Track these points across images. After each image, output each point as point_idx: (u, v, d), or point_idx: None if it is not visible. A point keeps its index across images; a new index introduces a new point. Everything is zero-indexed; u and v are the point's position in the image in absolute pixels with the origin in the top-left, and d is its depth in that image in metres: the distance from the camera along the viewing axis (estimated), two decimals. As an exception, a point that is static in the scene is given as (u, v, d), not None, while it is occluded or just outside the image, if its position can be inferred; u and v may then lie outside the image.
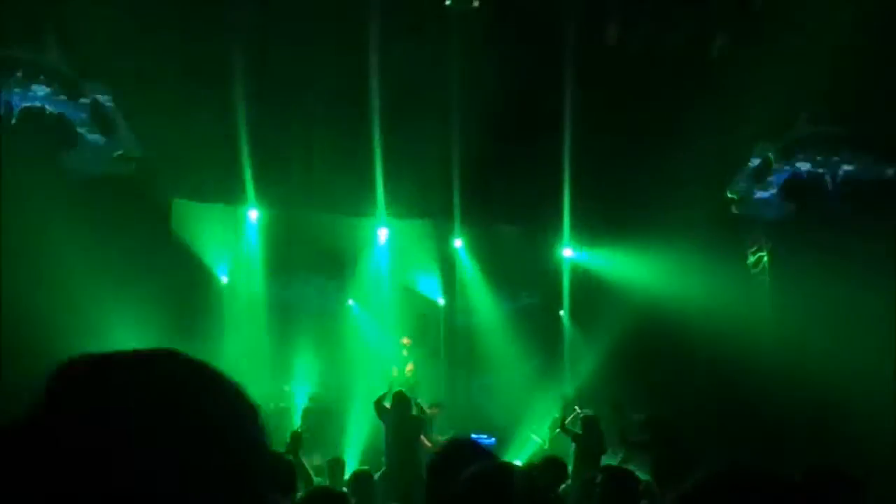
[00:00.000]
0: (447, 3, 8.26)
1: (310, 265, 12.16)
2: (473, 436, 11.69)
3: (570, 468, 7.89)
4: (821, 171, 9.55)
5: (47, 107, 8.95)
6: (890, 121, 8.36)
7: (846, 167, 9.41)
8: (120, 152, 9.40)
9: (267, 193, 11.19)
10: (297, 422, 11.01)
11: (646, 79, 8.94)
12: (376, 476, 6.52)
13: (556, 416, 9.73)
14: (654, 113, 9.20)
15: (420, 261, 12.27)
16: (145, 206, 9.52)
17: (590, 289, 11.83)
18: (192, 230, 10.78)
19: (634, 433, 7.78)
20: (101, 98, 9.16)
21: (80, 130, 9.30)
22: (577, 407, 9.70)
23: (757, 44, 8.79)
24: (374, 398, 8.14)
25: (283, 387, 11.53)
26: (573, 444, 8.32)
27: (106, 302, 8.64)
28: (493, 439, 11.68)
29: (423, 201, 10.59)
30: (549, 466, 5.77)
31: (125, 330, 8.51)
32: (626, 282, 11.32)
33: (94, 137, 9.31)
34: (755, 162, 10.04)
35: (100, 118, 9.29)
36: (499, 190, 10.84)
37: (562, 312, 12.54)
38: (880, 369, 8.49)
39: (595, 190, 10.41)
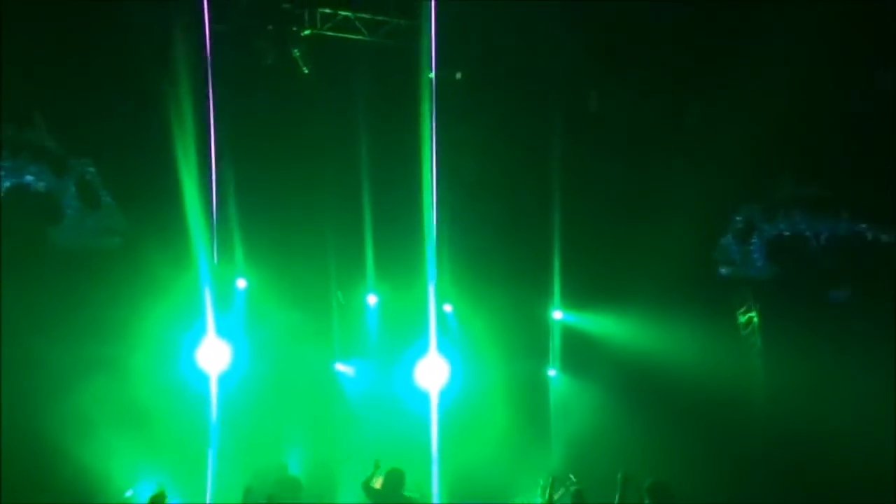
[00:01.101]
0: (430, 75, 8.44)
1: (297, 333, 12.05)
2: (465, 504, 11.49)
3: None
4: (804, 231, 9.67)
5: (33, 184, 9.06)
6: (864, 183, 8.53)
7: (828, 227, 9.53)
8: (104, 225, 9.44)
9: (255, 262, 11.23)
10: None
11: (627, 145, 9.11)
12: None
13: (542, 483, 9.57)
14: (638, 178, 9.34)
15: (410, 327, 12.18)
16: (129, 278, 9.49)
17: (580, 351, 11.80)
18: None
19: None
20: (86, 173, 9.26)
21: (66, 205, 9.37)
22: (571, 476, 9.56)
23: (736, 109, 9.00)
24: (362, 477, 7.96)
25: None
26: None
27: (77, 375, 8.60)
28: (484, 509, 11.44)
29: (412, 268, 10.60)
30: None
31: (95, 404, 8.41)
32: (616, 344, 11.30)
33: (80, 212, 9.36)
34: (739, 223, 10.16)
35: (85, 193, 9.37)
36: (488, 253, 10.90)
37: (552, 373, 12.48)
38: (875, 431, 8.42)
39: (583, 253, 10.47)
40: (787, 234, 9.78)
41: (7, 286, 8.41)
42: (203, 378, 9.88)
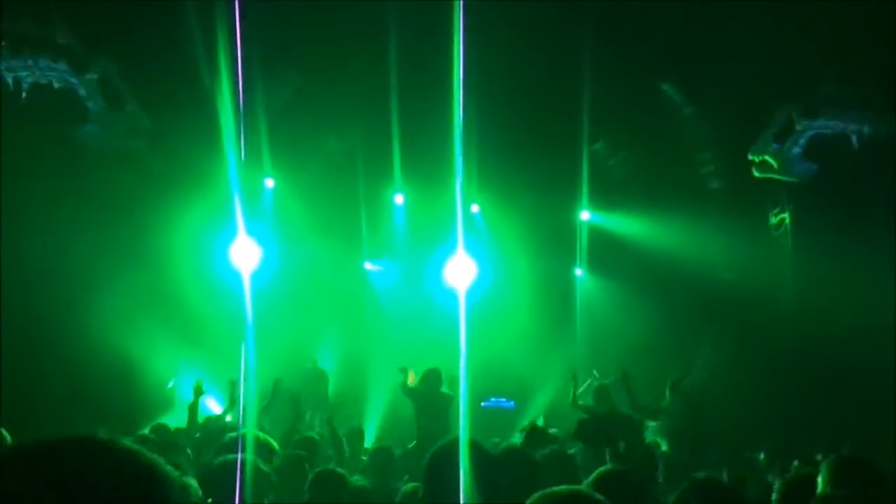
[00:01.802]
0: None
1: (326, 231, 12.15)
2: (493, 399, 11.90)
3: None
4: (845, 130, 9.29)
5: (55, 82, 8.91)
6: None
7: (870, 126, 9.14)
8: (130, 126, 9.38)
9: (282, 162, 11.21)
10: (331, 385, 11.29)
11: (664, 43, 8.70)
12: (402, 451, 6.62)
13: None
14: (674, 74, 8.97)
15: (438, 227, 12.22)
16: (154, 181, 9.53)
17: (607, 251, 11.79)
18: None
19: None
20: (109, 72, 9.10)
21: (89, 105, 9.27)
22: (594, 371, 9.74)
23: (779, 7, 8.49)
24: (395, 376, 8.20)
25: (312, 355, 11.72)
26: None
27: (116, 273, 8.79)
28: (512, 402, 11.84)
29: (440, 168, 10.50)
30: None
31: (136, 301, 8.64)
32: (643, 244, 11.25)
33: (103, 112, 9.28)
34: (779, 122, 9.78)
35: (108, 92, 9.26)
36: (516, 154, 10.73)
37: (578, 273, 12.55)
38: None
39: (613, 152, 10.25)
40: (827, 132, 9.40)
41: (34, 187, 8.44)
42: (236, 275, 10.09)
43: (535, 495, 1.81)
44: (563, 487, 1.91)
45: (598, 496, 1.80)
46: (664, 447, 7.60)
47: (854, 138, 9.20)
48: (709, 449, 6.78)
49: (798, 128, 9.63)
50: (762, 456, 6.62)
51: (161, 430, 6.34)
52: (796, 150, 9.76)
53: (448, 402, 7.81)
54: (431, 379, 7.81)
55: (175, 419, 7.72)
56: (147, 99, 9.45)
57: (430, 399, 7.73)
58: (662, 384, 7.70)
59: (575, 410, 8.47)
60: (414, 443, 7.46)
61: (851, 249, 9.04)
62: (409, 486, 3.44)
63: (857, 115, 9.23)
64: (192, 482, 2.83)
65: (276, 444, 3.97)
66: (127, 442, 0.92)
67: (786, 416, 8.85)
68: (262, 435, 4.04)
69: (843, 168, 9.46)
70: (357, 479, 4.37)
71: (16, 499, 0.82)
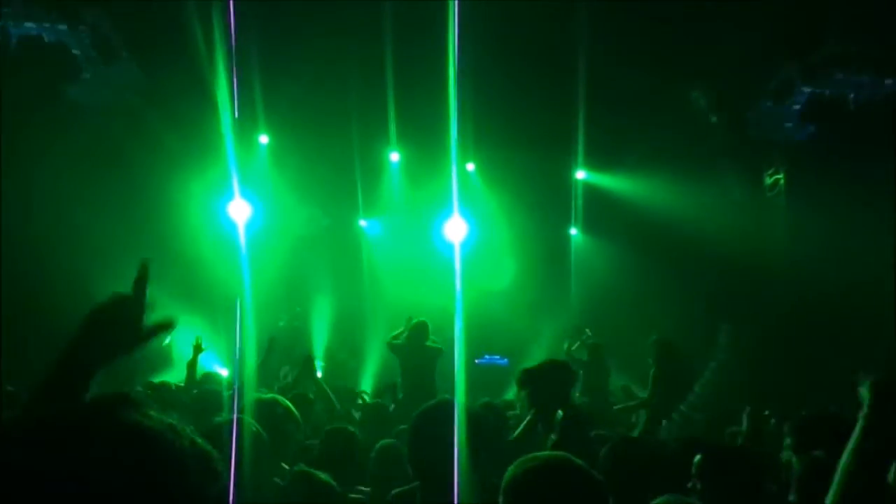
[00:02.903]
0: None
1: (322, 189, 12.11)
2: (487, 356, 12.05)
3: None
4: (842, 91, 9.22)
5: (46, 35, 8.71)
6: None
7: (869, 88, 9.07)
8: (123, 82, 9.23)
9: (276, 119, 11.11)
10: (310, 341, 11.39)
11: (661, 3, 8.55)
12: (391, 407, 6.69)
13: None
14: (670, 34, 8.84)
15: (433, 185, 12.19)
16: (147, 136, 9.43)
17: (602, 211, 11.81)
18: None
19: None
20: (102, 26, 8.90)
21: (81, 59, 9.10)
22: (587, 330, 9.85)
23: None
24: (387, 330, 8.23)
25: (296, 308, 11.80)
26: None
27: (110, 231, 8.75)
28: (506, 360, 11.99)
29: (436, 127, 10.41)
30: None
31: (131, 259, 8.60)
32: (638, 204, 11.26)
33: (96, 66, 9.11)
34: (777, 83, 9.70)
35: (101, 45, 9.07)
36: (511, 112, 10.63)
37: (573, 232, 12.59)
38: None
39: (609, 112, 10.17)
40: (826, 93, 9.33)
41: (24, 142, 8.32)
42: (232, 232, 10.08)
43: (516, 462, 1.85)
44: (543, 454, 1.94)
45: (576, 461, 1.84)
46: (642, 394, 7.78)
47: (851, 99, 9.13)
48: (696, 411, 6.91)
49: (796, 88, 9.56)
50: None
51: (155, 387, 6.39)
52: (794, 110, 9.71)
53: (435, 355, 7.79)
54: (417, 332, 7.78)
55: (172, 376, 7.80)
56: (140, 54, 9.28)
57: (415, 353, 7.71)
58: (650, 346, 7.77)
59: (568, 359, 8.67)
60: (399, 398, 7.50)
61: (846, 209, 9.06)
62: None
63: (854, 76, 9.14)
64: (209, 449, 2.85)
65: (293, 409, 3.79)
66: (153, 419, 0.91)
67: (781, 378, 8.98)
68: (271, 395, 3.93)
69: (839, 128, 9.42)
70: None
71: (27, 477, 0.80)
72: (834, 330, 9.23)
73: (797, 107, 9.76)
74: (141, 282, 1.47)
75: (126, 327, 1.44)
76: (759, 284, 10.22)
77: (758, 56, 9.19)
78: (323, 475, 3.10)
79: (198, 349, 6.57)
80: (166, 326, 1.51)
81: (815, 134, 9.73)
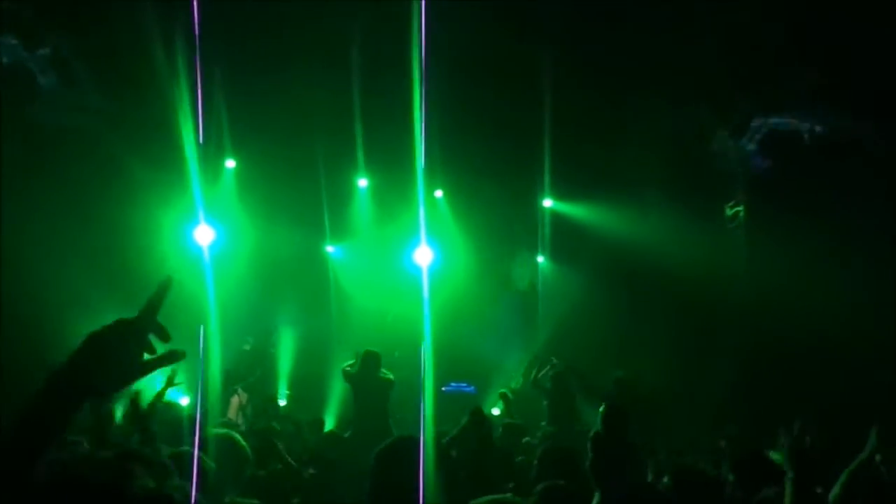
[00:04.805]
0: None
1: (289, 214, 12.04)
2: (454, 384, 12.00)
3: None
4: (798, 127, 9.54)
5: (5, 57, 8.60)
6: (868, 74, 8.29)
7: (823, 123, 9.38)
8: (83, 103, 9.12)
9: (242, 143, 11.07)
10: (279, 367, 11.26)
11: (626, 31, 8.77)
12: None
13: (526, 364, 9.95)
14: (634, 66, 9.06)
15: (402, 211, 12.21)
16: (108, 161, 9.29)
17: (568, 238, 11.93)
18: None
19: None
20: (63, 48, 8.81)
21: (41, 81, 8.98)
22: (553, 358, 9.88)
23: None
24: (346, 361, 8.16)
25: (270, 336, 11.66)
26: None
27: (71, 256, 8.57)
28: (473, 388, 11.96)
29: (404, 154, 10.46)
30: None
31: (94, 285, 8.44)
32: (604, 232, 11.41)
33: (56, 89, 9.00)
34: (735, 117, 10.00)
35: (60, 67, 8.96)
36: (479, 140, 10.74)
37: (540, 259, 12.68)
38: (854, 322, 8.67)
39: (575, 142, 10.33)
40: (782, 128, 9.65)
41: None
42: (197, 258, 9.93)
43: None
44: (488, 498, 1.94)
45: (518, 500, 1.84)
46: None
47: (806, 136, 9.43)
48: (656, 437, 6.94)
49: (754, 124, 9.85)
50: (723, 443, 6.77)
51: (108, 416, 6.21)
52: (752, 145, 9.99)
53: (386, 387, 7.74)
54: (368, 362, 7.72)
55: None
56: (102, 77, 9.18)
57: (365, 383, 7.64)
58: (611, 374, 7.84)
59: (534, 391, 8.70)
60: (350, 433, 7.39)
61: (803, 241, 9.28)
62: None
63: (809, 113, 9.45)
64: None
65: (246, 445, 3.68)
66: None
67: (737, 405, 9.08)
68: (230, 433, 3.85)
69: (795, 163, 9.69)
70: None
71: None
72: (791, 359, 9.40)
73: (755, 141, 10.04)
74: (153, 306, 1.31)
75: (125, 358, 1.30)
76: (721, 314, 10.38)
77: (718, 89, 9.45)
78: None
79: (170, 382, 6.39)
80: (170, 360, 1.35)
81: (772, 168, 10.01)
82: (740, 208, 10.62)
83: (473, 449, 5.08)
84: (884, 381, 8.14)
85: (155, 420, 6.12)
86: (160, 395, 6.09)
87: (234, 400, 8.61)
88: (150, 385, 6.88)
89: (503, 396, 9.30)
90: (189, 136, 8.51)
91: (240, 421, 8.93)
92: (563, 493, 2.78)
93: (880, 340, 8.48)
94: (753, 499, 2.72)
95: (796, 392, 8.45)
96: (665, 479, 2.95)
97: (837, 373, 8.73)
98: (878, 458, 3.18)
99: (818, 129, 9.22)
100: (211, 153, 10.50)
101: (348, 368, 7.89)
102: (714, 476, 3.26)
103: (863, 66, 8.39)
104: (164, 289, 1.28)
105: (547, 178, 11.38)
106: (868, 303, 8.80)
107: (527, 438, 6.82)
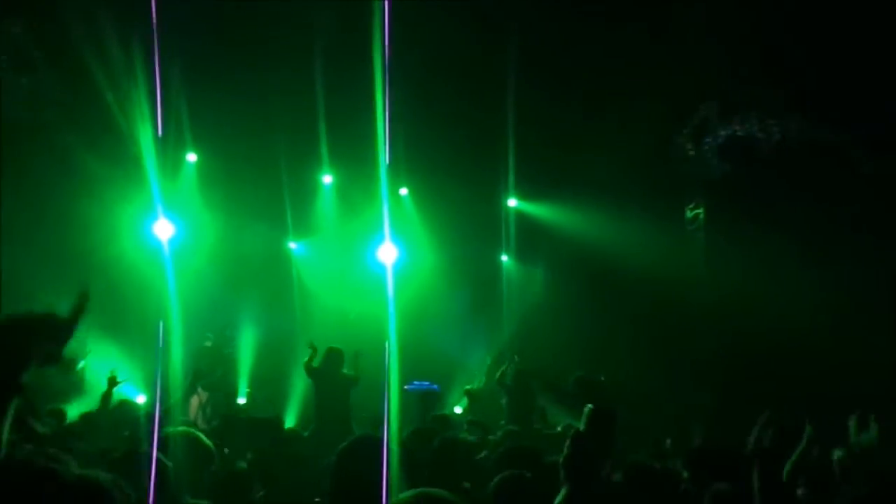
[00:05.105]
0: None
1: (252, 209, 11.87)
2: (417, 382, 11.98)
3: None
4: (757, 133, 9.77)
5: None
6: (826, 82, 8.53)
7: (782, 130, 9.62)
8: (41, 95, 8.87)
9: (205, 137, 10.89)
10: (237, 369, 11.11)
11: (590, 30, 8.87)
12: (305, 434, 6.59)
13: (489, 362, 10.01)
14: (597, 70, 9.17)
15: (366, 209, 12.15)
16: (62, 152, 9.06)
17: (532, 238, 12.01)
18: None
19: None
20: (19, 39, 8.56)
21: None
22: (515, 356, 9.94)
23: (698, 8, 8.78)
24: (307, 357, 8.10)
25: (225, 332, 11.47)
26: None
27: (23, 250, 8.36)
28: (436, 386, 11.95)
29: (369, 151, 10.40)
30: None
31: (47, 281, 8.23)
32: (567, 232, 11.52)
33: (11, 80, 8.73)
34: (695, 122, 10.20)
35: (16, 56, 8.70)
36: (445, 139, 10.75)
37: (504, 258, 12.74)
38: (809, 322, 8.92)
39: (540, 143, 10.42)
40: (740, 134, 9.88)
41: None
42: (156, 253, 9.74)
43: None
44: (410, 492, 1.96)
45: (444, 494, 1.85)
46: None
47: (763, 141, 9.67)
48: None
49: (713, 129, 10.07)
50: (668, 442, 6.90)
51: (58, 414, 6.11)
52: (711, 149, 10.21)
53: (349, 384, 7.74)
54: (331, 359, 7.72)
55: (84, 405, 7.45)
56: (59, 68, 8.94)
57: (328, 380, 7.64)
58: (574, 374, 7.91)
59: (497, 389, 8.75)
60: (312, 428, 7.37)
61: (760, 244, 9.51)
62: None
63: (767, 119, 9.69)
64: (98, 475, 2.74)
65: (209, 443, 3.65)
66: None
67: (695, 406, 9.27)
68: (194, 432, 3.79)
69: (753, 168, 9.93)
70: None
71: None
72: (748, 356, 9.62)
73: (715, 145, 10.27)
74: (79, 309, 1.50)
75: (46, 345, 1.43)
76: (682, 315, 10.57)
77: (680, 94, 9.62)
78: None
79: (112, 382, 6.35)
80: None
81: (731, 172, 10.24)
82: (700, 211, 10.83)
83: (435, 447, 5.08)
84: (843, 378, 8.37)
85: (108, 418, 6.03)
86: (107, 395, 6.04)
87: (194, 399, 8.49)
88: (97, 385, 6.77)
89: (468, 393, 9.33)
90: (147, 130, 8.35)
91: (199, 420, 8.80)
92: (519, 483, 2.81)
93: (837, 338, 8.73)
94: (706, 493, 2.78)
95: (758, 390, 8.65)
96: (617, 476, 3.00)
97: (797, 371, 8.97)
98: (837, 453, 3.29)
99: (775, 133, 9.45)
100: (171, 147, 10.28)
101: (310, 363, 7.86)
102: (664, 471, 3.32)
103: (819, 73, 8.64)
104: (83, 300, 1.42)
105: (511, 178, 11.44)
106: (825, 302, 9.07)
107: (490, 436, 6.85)
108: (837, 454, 3.40)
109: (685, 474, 3.25)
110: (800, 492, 3.16)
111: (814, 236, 9.40)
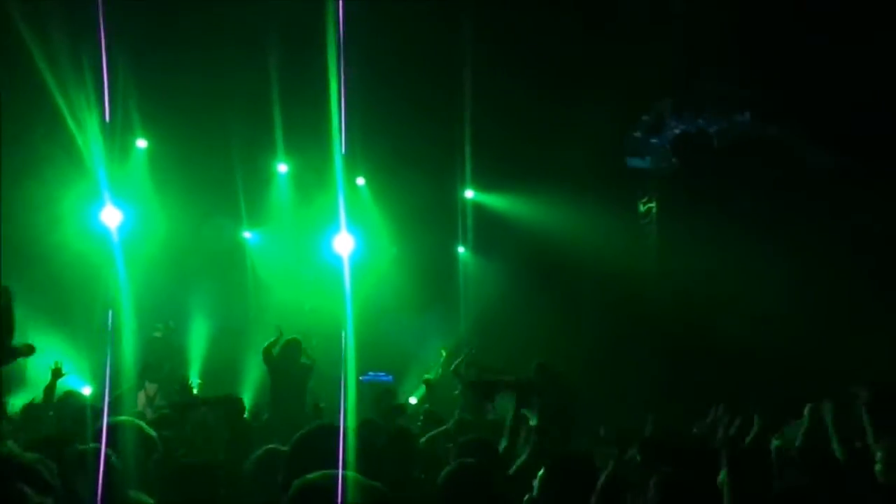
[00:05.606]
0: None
1: (204, 197, 11.62)
2: (371, 373, 11.94)
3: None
4: (708, 129, 9.98)
5: None
6: (777, 80, 8.75)
7: (733, 126, 9.85)
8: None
9: (155, 123, 10.62)
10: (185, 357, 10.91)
11: (547, 22, 8.92)
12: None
13: (445, 352, 10.04)
14: (555, 63, 9.24)
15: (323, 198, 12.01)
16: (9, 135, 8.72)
17: (489, 229, 12.06)
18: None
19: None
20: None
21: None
22: (471, 347, 9.97)
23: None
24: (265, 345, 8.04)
25: (169, 322, 11.21)
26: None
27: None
28: (390, 377, 11.93)
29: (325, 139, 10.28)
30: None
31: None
32: (523, 224, 11.60)
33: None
34: (649, 118, 10.38)
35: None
36: (402, 129, 10.69)
37: (461, 250, 12.76)
38: (760, 313, 9.18)
39: (497, 135, 10.45)
40: (691, 131, 10.10)
41: None
42: (104, 242, 9.46)
43: (296, 483, 1.85)
44: (318, 473, 1.97)
45: (353, 475, 1.87)
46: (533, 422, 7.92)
47: (714, 137, 9.89)
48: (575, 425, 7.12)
49: (666, 124, 10.25)
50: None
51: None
52: (664, 144, 10.40)
53: (306, 373, 7.78)
54: (289, 349, 7.73)
55: (25, 397, 7.22)
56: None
57: (286, 370, 7.66)
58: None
59: (453, 380, 8.79)
60: (267, 416, 7.38)
61: (710, 237, 9.74)
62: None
63: (719, 114, 9.92)
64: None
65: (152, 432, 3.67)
66: None
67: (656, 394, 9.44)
68: (140, 423, 3.74)
69: (704, 163, 10.15)
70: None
71: None
72: (697, 342, 9.86)
73: (667, 141, 10.46)
74: (5, 309, 1.44)
75: None
76: (637, 306, 10.75)
77: (636, 89, 9.76)
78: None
79: (57, 374, 6.21)
80: (23, 353, 1.48)
81: (682, 167, 10.45)
82: (653, 205, 11.03)
83: (390, 437, 5.08)
84: (796, 368, 8.63)
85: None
86: (50, 388, 5.91)
87: (141, 394, 8.31)
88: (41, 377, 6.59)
89: (427, 382, 9.35)
90: (93, 114, 8.08)
91: (147, 412, 8.61)
92: (471, 470, 2.83)
93: (788, 328, 9.00)
94: (653, 477, 2.85)
95: (712, 381, 8.87)
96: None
97: (748, 361, 9.23)
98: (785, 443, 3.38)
99: (726, 129, 9.68)
100: (118, 132, 9.97)
101: (270, 351, 7.81)
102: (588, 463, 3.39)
103: (768, 72, 8.87)
104: (6, 299, 1.37)
105: (469, 170, 11.45)
106: (775, 293, 9.34)
107: (445, 426, 6.87)
108: (775, 443, 3.50)
109: (638, 458, 3.32)
110: None
111: (763, 229, 9.67)
